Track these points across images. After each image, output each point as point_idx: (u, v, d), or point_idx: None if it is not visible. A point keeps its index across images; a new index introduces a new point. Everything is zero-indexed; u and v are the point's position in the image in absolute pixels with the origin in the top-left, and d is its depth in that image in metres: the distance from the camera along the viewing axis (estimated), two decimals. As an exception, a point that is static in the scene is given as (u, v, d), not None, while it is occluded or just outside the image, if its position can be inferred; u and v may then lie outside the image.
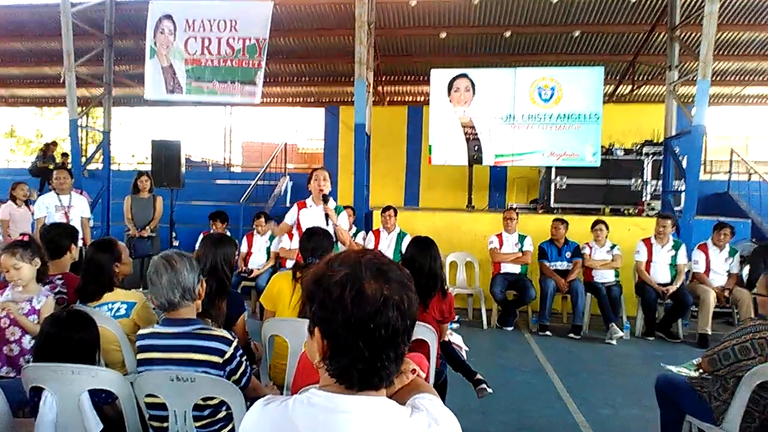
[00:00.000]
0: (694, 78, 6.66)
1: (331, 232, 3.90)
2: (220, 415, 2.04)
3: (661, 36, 9.31)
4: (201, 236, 6.69)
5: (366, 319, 0.97)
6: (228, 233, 6.66)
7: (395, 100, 13.60)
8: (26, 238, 2.89)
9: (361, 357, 0.98)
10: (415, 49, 10.88)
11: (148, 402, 2.05)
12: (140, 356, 2.09)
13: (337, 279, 1.00)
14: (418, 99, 13.35)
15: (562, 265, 6.27)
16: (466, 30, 9.86)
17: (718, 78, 10.99)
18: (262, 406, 1.05)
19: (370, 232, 6.92)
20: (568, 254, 6.29)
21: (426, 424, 1.01)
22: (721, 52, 10.01)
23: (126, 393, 2.11)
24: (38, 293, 2.76)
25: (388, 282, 1.00)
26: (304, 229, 3.50)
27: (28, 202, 6.88)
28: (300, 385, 1.63)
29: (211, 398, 2.00)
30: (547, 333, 5.96)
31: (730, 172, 11.18)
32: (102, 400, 2.17)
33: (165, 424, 2.03)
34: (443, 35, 9.86)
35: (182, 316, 2.08)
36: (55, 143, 12.39)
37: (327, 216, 4.23)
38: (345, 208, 5.82)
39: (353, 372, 1.00)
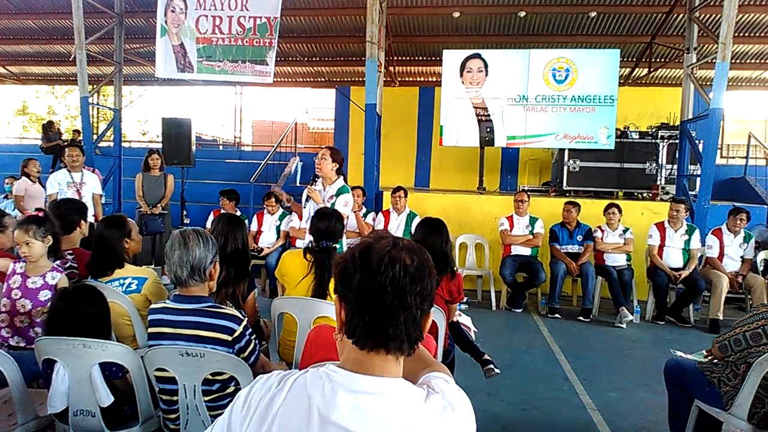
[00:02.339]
0: (713, 60, 6.51)
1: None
2: (229, 390, 2.06)
3: (680, 17, 9.10)
4: (211, 215, 6.73)
5: (372, 273, 1.01)
6: (238, 212, 6.69)
7: (407, 80, 13.47)
8: (41, 214, 2.92)
9: (368, 310, 1.01)
10: (428, 29, 10.72)
11: (157, 375, 2.07)
12: (151, 330, 2.11)
13: (352, 249, 1.08)
14: (430, 80, 13.22)
15: (573, 248, 6.23)
16: (479, 9, 9.70)
17: (737, 61, 10.76)
18: (279, 379, 1.04)
19: (380, 213, 6.91)
20: (579, 237, 6.25)
21: (441, 408, 1.00)
22: (741, 35, 9.78)
23: (136, 366, 2.14)
24: (51, 269, 2.80)
25: (396, 245, 1.06)
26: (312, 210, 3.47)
27: (40, 179, 6.94)
28: (307, 362, 1.64)
29: (220, 373, 2.02)
30: (557, 315, 5.95)
31: (747, 156, 10.94)
32: (113, 374, 2.20)
33: (174, 398, 2.06)
34: (456, 15, 9.71)
35: (192, 293, 2.08)
36: (51, 122, 12.30)
37: (308, 197, 4.09)
38: (353, 188, 5.77)
39: (360, 327, 1.02)
